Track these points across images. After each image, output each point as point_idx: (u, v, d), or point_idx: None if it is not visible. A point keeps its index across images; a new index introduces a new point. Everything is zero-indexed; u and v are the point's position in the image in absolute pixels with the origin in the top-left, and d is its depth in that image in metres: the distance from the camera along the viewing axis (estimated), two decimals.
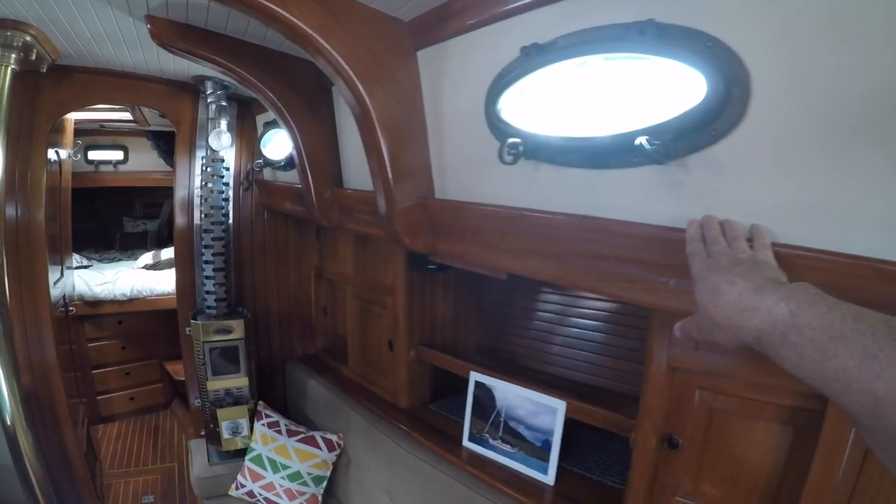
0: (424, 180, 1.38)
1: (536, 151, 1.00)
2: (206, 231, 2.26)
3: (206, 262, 2.27)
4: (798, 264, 0.72)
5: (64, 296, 3.10)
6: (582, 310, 1.86)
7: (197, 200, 2.46)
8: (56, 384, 2.25)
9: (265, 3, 1.00)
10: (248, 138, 2.54)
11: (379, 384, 2.21)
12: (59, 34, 1.65)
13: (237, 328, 2.25)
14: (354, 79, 1.13)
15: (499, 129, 1.08)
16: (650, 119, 0.81)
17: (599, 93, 0.89)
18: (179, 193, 2.50)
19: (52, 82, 2.07)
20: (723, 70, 0.73)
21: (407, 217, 1.39)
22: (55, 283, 2.66)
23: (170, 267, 3.89)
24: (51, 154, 2.48)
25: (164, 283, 3.78)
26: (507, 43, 1.00)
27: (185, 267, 2.49)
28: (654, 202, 0.88)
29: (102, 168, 4.04)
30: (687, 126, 0.78)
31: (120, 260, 4.44)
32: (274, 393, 2.73)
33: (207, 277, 2.29)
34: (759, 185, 0.76)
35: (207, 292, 2.30)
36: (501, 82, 1.02)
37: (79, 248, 4.37)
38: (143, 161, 4.10)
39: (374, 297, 2.17)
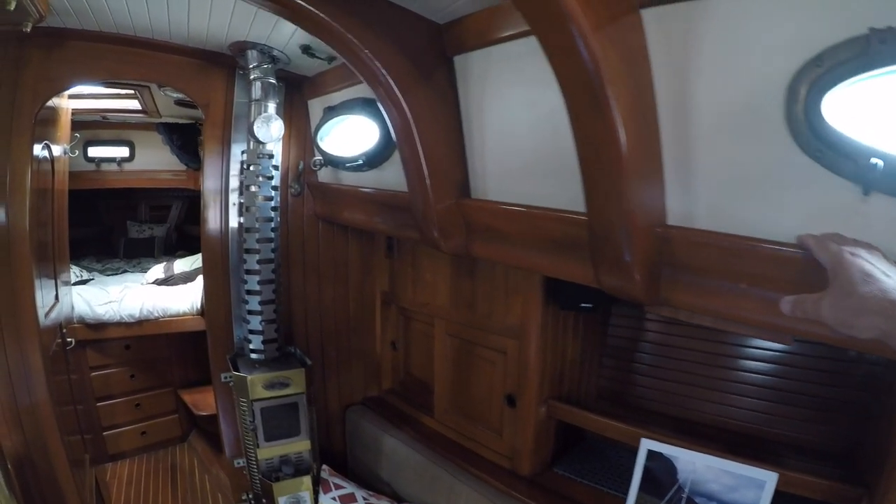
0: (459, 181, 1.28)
1: None
2: (249, 251, 1.70)
3: (251, 292, 1.72)
4: None
5: (61, 325, 2.55)
6: (739, 348, 1.61)
7: (233, 209, 1.90)
8: (49, 428, 1.78)
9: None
10: (298, 128, 1.98)
11: (485, 443, 1.79)
12: None
13: (296, 380, 1.70)
14: (390, 80, 1.10)
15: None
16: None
17: None
18: (209, 199, 1.94)
19: (39, 51, 1.59)
20: None
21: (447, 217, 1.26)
22: (50, 309, 2.13)
23: (184, 282, 3.33)
24: (42, 150, 1.95)
25: (178, 300, 3.23)
26: None
27: (219, 296, 1.94)
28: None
29: (105, 167, 3.47)
30: None
31: (125, 271, 3.89)
32: (331, 446, 2.20)
33: (251, 313, 1.73)
34: None
35: (252, 332, 1.75)
36: None
37: (77, 258, 3.86)
38: (152, 158, 3.53)
39: (484, 339, 1.67)
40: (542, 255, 1.15)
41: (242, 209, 1.74)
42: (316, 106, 1.92)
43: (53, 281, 2.34)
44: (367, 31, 1.15)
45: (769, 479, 1.18)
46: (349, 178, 1.78)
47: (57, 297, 2.37)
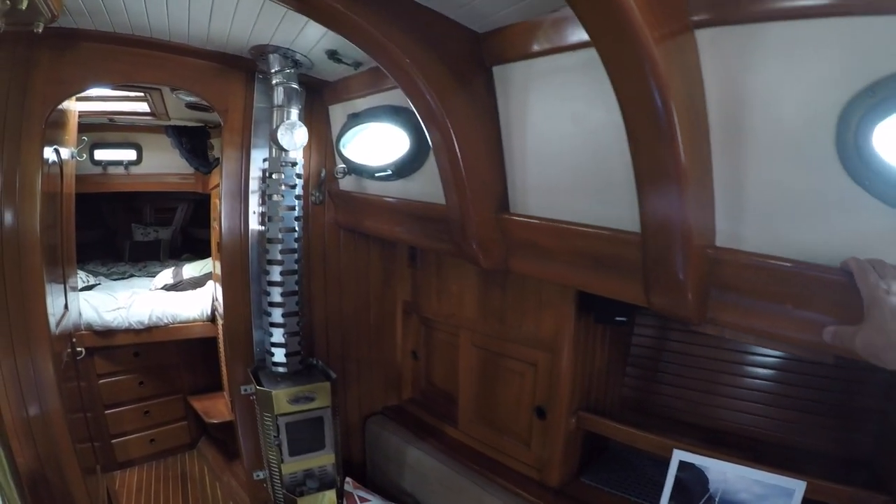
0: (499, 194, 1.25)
1: None
2: (272, 262, 1.66)
3: (273, 303, 1.68)
4: None
5: (70, 333, 2.50)
6: (759, 357, 1.61)
7: (253, 217, 1.85)
8: (62, 441, 1.74)
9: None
10: (319, 134, 1.93)
11: (512, 454, 1.77)
12: None
13: (321, 394, 1.66)
14: (430, 90, 1.08)
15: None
16: None
17: None
18: (228, 206, 1.89)
19: (50, 53, 1.54)
20: None
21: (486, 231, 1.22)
22: (60, 318, 2.08)
23: (193, 287, 3.28)
24: (49, 153, 1.89)
25: (187, 307, 3.18)
26: None
27: (237, 305, 1.89)
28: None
29: (111, 170, 3.40)
30: None
31: (132, 276, 3.83)
32: (350, 455, 2.16)
33: (274, 325, 1.69)
34: None
35: (274, 344, 1.71)
36: None
37: (82, 262, 3.79)
38: (160, 161, 3.47)
39: (514, 351, 1.65)
40: (586, 272, 1.12)
41: (265, 219, 1.70)
42: (337, 111, 1.87)
43: (63, 288, 2.29)
44: (408, 39, 1.11)
45: (798, 487, 1.19)
46: (373, 187, 1.74)
47: (66, 307, 2.32)
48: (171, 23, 1.50)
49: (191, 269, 3.39)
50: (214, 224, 2.85)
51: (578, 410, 1.57)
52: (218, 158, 2.86)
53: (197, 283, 3.29)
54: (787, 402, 1.57)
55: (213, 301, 3.13)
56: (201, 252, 4.44)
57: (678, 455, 1.35)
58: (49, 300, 1.77)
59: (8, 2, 1.11)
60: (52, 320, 1.81)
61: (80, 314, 2.88)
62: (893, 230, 0.75)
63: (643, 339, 1.83)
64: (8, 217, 1.55)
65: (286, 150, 1.64)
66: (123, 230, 4.55)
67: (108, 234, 4.53)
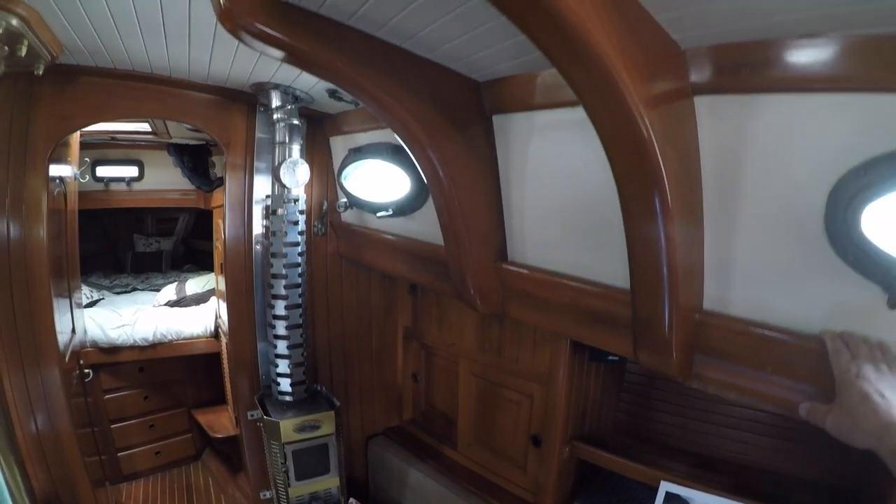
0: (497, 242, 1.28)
1: None
2: (276, 297, 1.70)
3: (279, 336, 1.72)
4: None
5: (78, 356, 2.55)
6: None
7: (257, 246, 1.90)
8: (73, 463, 1.78)
9: (331, 60, 0.97)
10: (320, 166, 1.97)
11: (509, 478, 1.83)
12: (64, 16, 1.11)
13: (326, 422, 1.71)
14: (428, 141, 1.10)
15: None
16: None
17: None
18: (231, 234, 1.93)
19: (51, 88, 1.55)
20: None
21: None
22: (68, 341, 2.12)
23: (197, 303, 3.32)
24: (53, 173, 1.91)
25: (191, 323, 3.22)
26: None
27: (244, 335, 1.93)
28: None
29: (113, 186, 3.43)
30: None
31: (135, 289, 3.87)
32: (352, 474, 2.21)
33: (280, 356, 1.74)
34: None
35: (280, 374, 1.76)
36: None
37: (85, 273, 3.81)
38: (162, 178, 3.49)
39: (511, 382, 1.70)
40: (579, 324, 1.16)
41: (268, 253, 1.74)
42: (338, 143, 1.90)
43: (69, 310, 2.32)
44: (407, 93, 1.13)
45: None
46: (374, 222, 1.78)
47: (74, 330, 2.36)
48: (171, 61, 1.52)
49: (194, 285, 3.42)
50: (217, 244, 2.88)
51: (572, 439, 1.62)
52: (220, 177, 2.88)
53: (200, 299, 3.33)
54: (775, 431, 1.60)
55: (216, 318, 3.17)
56: (203, 263, 4.48)
57: (665, 486, 1.38)
58: (56, 316, 1.78)
59: (6, 48, 1.12)
60: (61, 339, 1.84)
61: (85, 332, 2.92)
62: (873, 304, 0.78)
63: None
64: (14, 233, 1.58)
65: (288, 188, 1.68)
66: (125, 240, 4.57)
67: (109, 244, 4.55)
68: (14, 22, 1.04)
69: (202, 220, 4.44)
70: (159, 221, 4.67)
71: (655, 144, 0.76)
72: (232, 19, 0.96)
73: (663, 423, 1.82)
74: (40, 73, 1.32)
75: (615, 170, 0.83)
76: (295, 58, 1.08)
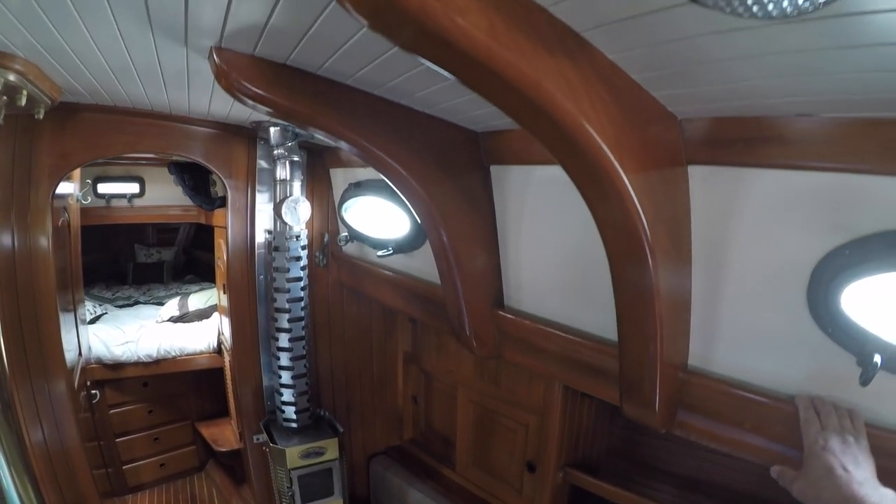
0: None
1: None
2: (280, 330, 1.75)
3: (283, 367, 1.78)
4: None
5: (86, 375, 2.60)
6: None
7: (261, 277, 1.95)
8: (82, 471, 1.81)
9: (329, 121, 1.01)
10: (320, 197, 2.02)
11: (505, 500, 1.89)
12: (61, 66, 1.12)
13: (331, 448, 1.77)
14: (427, 195, 1.14)
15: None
16: None
17: None
18: (234, 266, 1.97)
19: (52, 124, 1.56)
20: None
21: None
22: (75, 360, 2.17)
23: (199, 319, 3.37)
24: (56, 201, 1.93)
25: (194, 339, 3.27)
26: None
27: (249, 368, 1.99)
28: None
29: (115, 202, 3.46)
30: None
31: (138, 302, 3.91)
32: (354, 492, 2.28)
33: (284, 386, 1.80)
34: None
35: (285, 403, 1.82)
36: None
37: (87, 285, 3.84)
38: (163, 194, 3.53)
39: (507, 411, 1.76)
40: (571, 371, 1.22)
41: (271, 288, 1.78)
42: (339, 175, 1.94)
43: (75, 327, 2.36)
44: (405, 150, 1.17)
45: None
46: (375, 256, 1.83)
47: (80, 353, 2.41)
48: (171, 102, 1.54)
49: (196, 300, 3.47)
50: (219, 262, 2.93)
51: (566, 466, 1.66)
52: (222, 197, 2.92)
53: (203, 314, 3.38)
54: None
55: (219, 333, 3.22)
56: (204, 273, 4.51)
57: None
58: (62, 333, 1.80)
59: (5, 97, 1.15)
60: (68, 356, 1.86)
61: (90, 349, 2.97)
62: (847, 373, 0.82)
63: None
64: (18, 236, 1.60)
65: (290, 225, 1.72)
66: (126, 251, 4.61)
67: (110, 255, 4.58)
68: (12, 77, 1.07)
69: (203, 230, 4.46)
70: (160, 231, 4.70)
71: (644, 220, 0.78)
72: (228, 80, 0.98)
73: (654, 448, 1.84)
74: (40, 116, 1.34)
75: (603, 235, 0.87)
76: (291, 117, 1.12)
